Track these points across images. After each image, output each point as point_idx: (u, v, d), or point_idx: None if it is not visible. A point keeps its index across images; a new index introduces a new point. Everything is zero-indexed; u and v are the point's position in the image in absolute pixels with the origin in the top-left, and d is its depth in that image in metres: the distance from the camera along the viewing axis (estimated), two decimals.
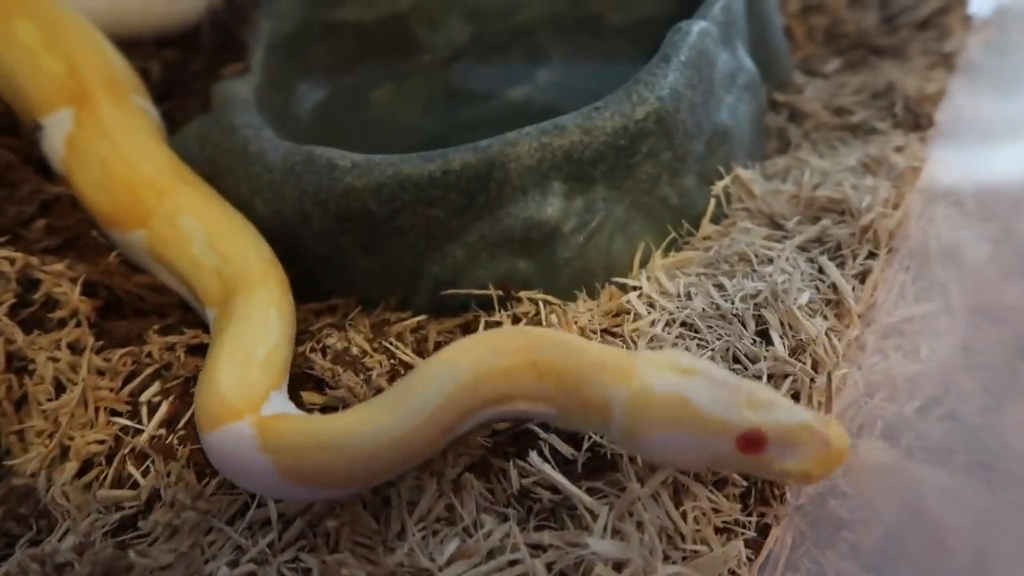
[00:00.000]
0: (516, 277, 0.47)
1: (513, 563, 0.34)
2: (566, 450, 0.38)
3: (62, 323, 0.43)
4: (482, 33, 0.69)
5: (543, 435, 0.38)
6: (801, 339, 0.40)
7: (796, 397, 0.39)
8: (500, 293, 0.46)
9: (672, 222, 0.49)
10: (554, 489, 0.36)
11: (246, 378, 0.38)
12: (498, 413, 0.35)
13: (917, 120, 0.56)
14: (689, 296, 0.44)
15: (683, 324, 0.42)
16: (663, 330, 0.42)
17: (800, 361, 0.39)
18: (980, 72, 0.64)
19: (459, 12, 0.68)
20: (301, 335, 0.46)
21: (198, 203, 0.48)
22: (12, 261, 0.43)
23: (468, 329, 0.45)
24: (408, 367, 0.43)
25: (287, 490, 0.35)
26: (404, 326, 0.46)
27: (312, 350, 0.43)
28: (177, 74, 0.65)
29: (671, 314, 0.43)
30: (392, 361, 0.43)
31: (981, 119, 0.61)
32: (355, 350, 0.43)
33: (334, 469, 0.34)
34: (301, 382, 0.42)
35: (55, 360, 0.41)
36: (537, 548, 0.34)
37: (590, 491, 0.36)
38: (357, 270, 0.49)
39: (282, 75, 0.61)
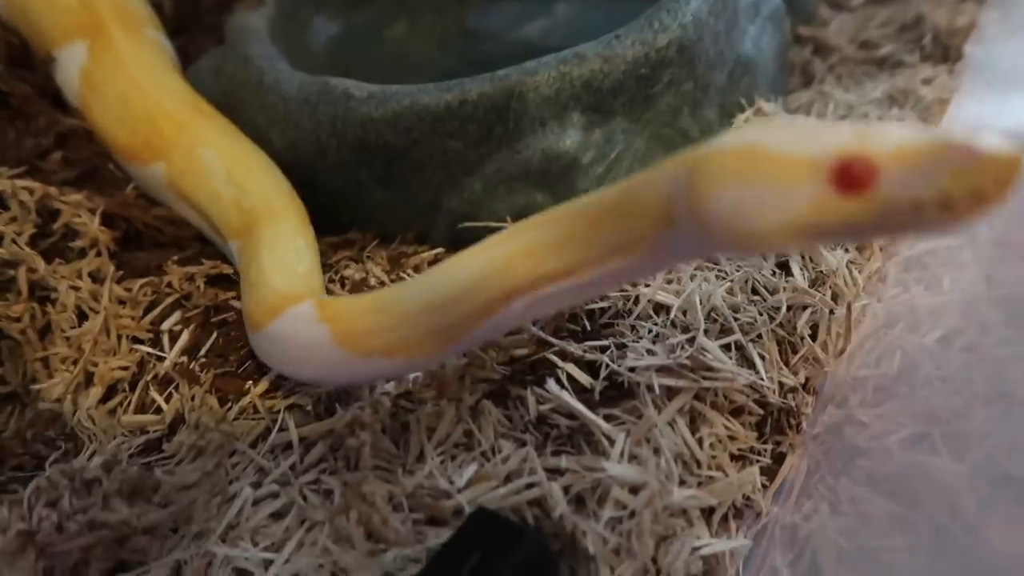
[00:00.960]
0: (534, 210, 0.46)
1: (530, 486, 0.34)
2: (584, 378, 0.38)
3: (82, 253, 0.43)
4: None
5: (560, 363, 0.38)
6: (821, 271, 0.40)
7: (815, 328, 0.38)
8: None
9: None
10: (571, 416, 0.37)
11: (294, 280, 0.39)
12: (561, 290, 0.30)
13: (946, 53, 0.55)
14: None
15: None
16: None
17: (819, 292, 0.39)
18: (1013, 5, 0.62)
19: None
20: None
21: (217, 135, 0.47)
22: (31, 191, 0.44)
23: None
24: None
25: (345, 365, 0.35)
26: (422, 258, 0.46)
27: (331, 281, 0.43)
28: (190, 8, 0.64)
29: None
30: None
31: (1011, 54, 0.60)
32: (373, 281, 0.43)
33: (387, 330, 0.33)
34: None
35: (76, 289, 0.42)
36: (554, 472, 0.35)
37: (607, 418, 0.36)
38: (374, 203, 0.49)
39: (296, 8, 0.60)
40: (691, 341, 0.37)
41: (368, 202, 0.49)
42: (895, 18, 0.59)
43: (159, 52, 0.53)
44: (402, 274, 0.44)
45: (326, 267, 0.45)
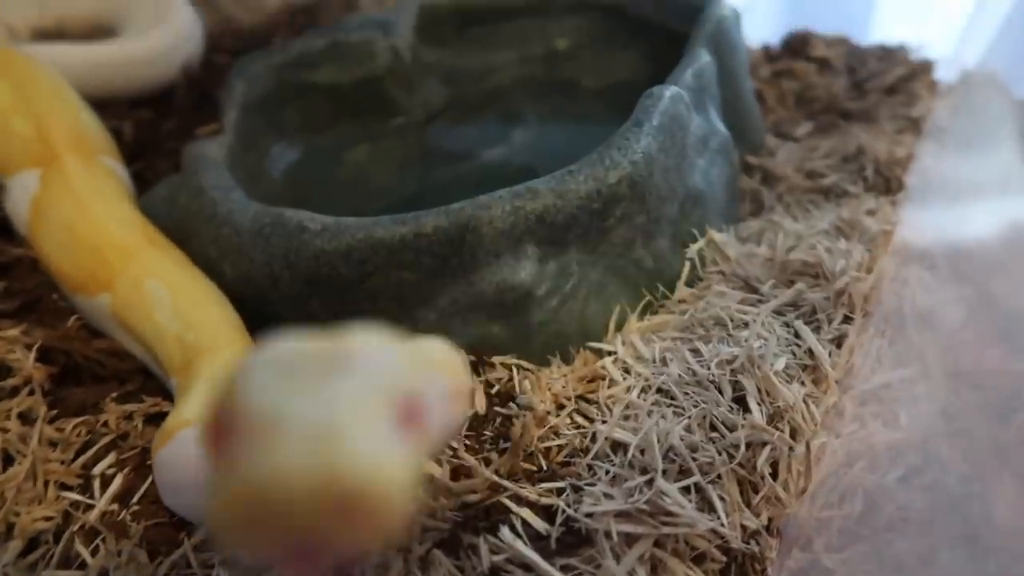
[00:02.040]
0: (490, 342, 0.46)
1: None
2: (540, 525, 0.36)
3: (14, 391, 0.41)
4: (458, 95, 0.70)
5: (515, 508, 0.37)
6: (779, 406, 0.39)
7: (775, 466, 0.38)
8: (473, 359, 0.45)
9: (647, 285, 0.48)
10: (527, 567, 0.35)
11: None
12: None
13: (888, 183, 0.57)
14: (665, 361, 0.43)
15: (659, 390, 0.41)
16: (639, 396, 0.41)
17: (778, 429, 0.38)
18: (947, 136, 0.65)
19: (435, 75, 0.69)
20: None
21: (165, 267, 0.47)
22: None
23: None
24: None
25: None
26: None
27: None
28: (150, 134, 0.64)
29: (647, 380, 0.42)
30: None
31: (950, 181, 0.62)
32: None
33: None
34: None
35: (4, 431, 0.39)
36: None
37: (564, 568, 0.35)
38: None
39: (255, 136, 0.60)
40: (649, 483, 0.36)
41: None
42: (837, 149, 0.61)
43: (111, 180, 0.52)
44: None
45: None
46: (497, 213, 0.44)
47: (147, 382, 0.45)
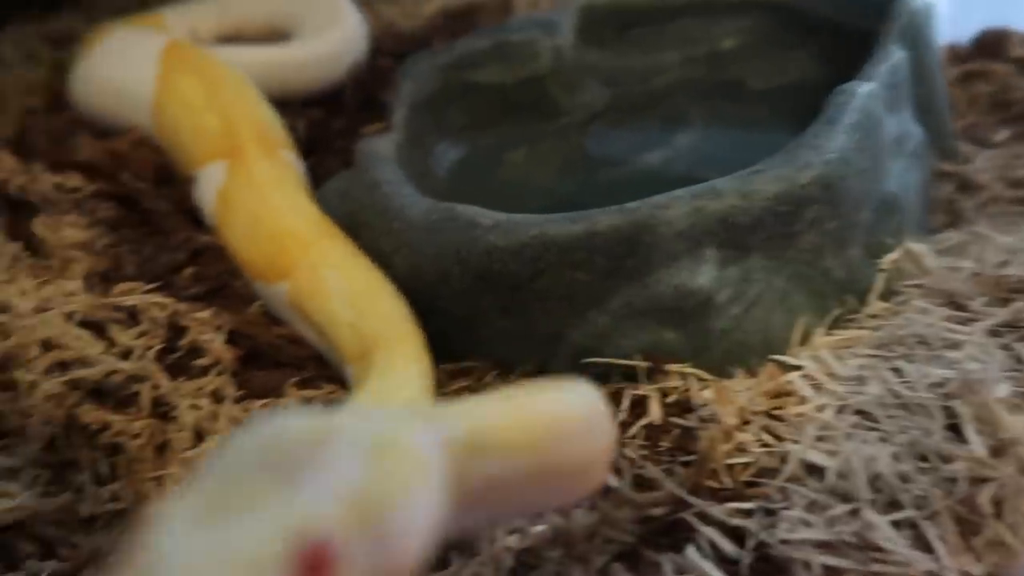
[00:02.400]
0: (663, 348, 0.44)
1: None
2: (729, 548, 0.34)
3: (205, 371, 0.43)
4: (619, 97, 0.68)
5: (701, 527, 0.34)
6: (1002, 438, 0.35)
7: (999, 506, 0.33)
8: (647, 364, 0.43)
9: (835, 297, 0.45)
10: None
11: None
12: None
13: None
14: (862, 380, 0.40)
15: (858, 412, 0.38)
16: (834, 417, 0.38)
17: (1004, 465, 0.34)
18: None
19: (597, 76, 0.68)
20: (436, 396, 0.44)
21: (340, 258, 0.48)
22: (163, 307, 0.44)
23: (610, 401, 0.42)
24: None
25: None
26: None
27: None
28: (321, 132, 0.66)
29: (841, 399, 0.39)
30: None
31: None
32: None
33: None
34: None
35: (197, 408, 0.41)
36: None
37: None
38: (494, 332, 0.47)
39: (422, 134, 0.61)
40: (854, 514, 0.33)
41: (488, 331, 0.47)
42: None
43: (291, 173, 0.54)
44: None
45: (444, 396, 0.44)
46: (676, 213, 0.42)
47: (322, 369, 0.46)
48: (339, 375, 0.45)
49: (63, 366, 0.42)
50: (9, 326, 0.43)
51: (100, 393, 0.42)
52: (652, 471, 0.36)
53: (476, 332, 0.48)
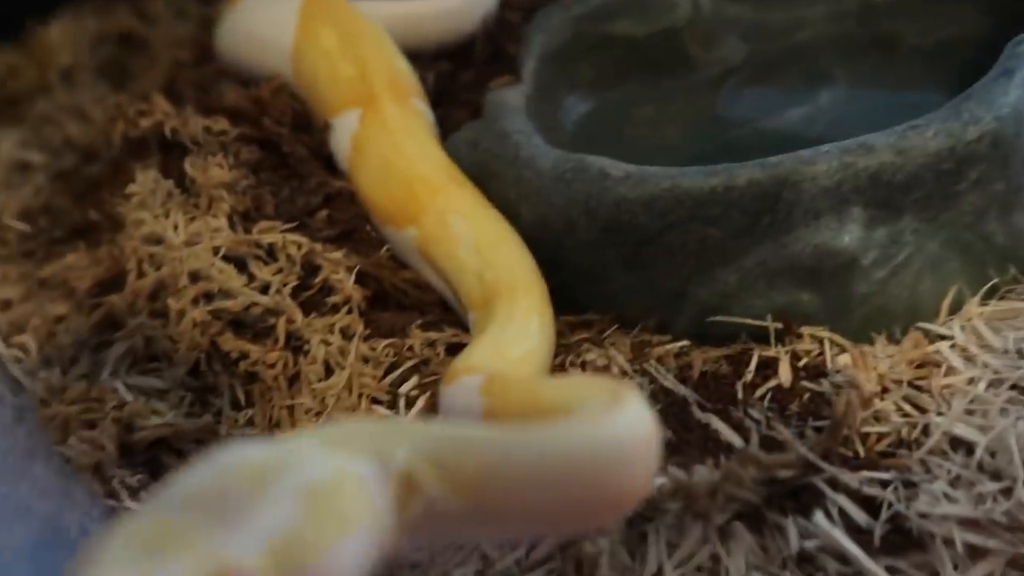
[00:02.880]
0: (797, 310, 0.42)
1: None
2: (860, 516, 0.32)
3: (335, 308, 0.45)
4: (757, 52, 0.65)
5: (831, 494, 0.33)
6: None
7: None
8: (779, 326, 0.41)
9: (995, 265, 0.41)
10: (842, 559, 0.31)
11: (494, 363, 0.38)
12: None
13: None
14: (1021, 354, 0.36)
15: (1015, 387, 0.35)
16: (986, 390, 0.35)
17: None
18: None
19: (736, 29, 0.65)
20: (556, 348, 0.44)
21: (468, 205, 0.48)
22: (299, 246, 0.46)
23: (737, 362, 0.41)
24: (670, 394, 0.39)
25: None
26: (666, 350, 0.42)
27: (571, 364, 0.41)
28: (449, 84, 0.67)
29: (996, 373, 0.36)
30: (652, 386, 0.40)
31: None
32: (616, 370, 0.40)
33: None
34: None
35: (327, 343, 0.43)
36: None
37: (890, 570, 0.30)
38: (617, 286, 0.46)
39: (550, 87, 0.60)
40: (1006, 492, 0.31)
41: (611, 284, 0.47)
42: None
43: (422, 122, 0.55)
44: (645, 365, 0.41)
45: (564, 348, 0.44)
46: (822, 169, 0.40)
47: (446, 314, 0.47)
48: (462, 321, 0.46)
49: (208, 297, 0.45)
50: (162, 257, 0.46)
51: (240, 324, 0.44)
52: (782, 432, 0.35)
53: (600, 285, 0.47)
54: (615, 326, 0.46)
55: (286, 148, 0.52)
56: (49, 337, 0.48)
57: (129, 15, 0.90)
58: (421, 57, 0.68)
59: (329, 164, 0.54)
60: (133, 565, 0.19)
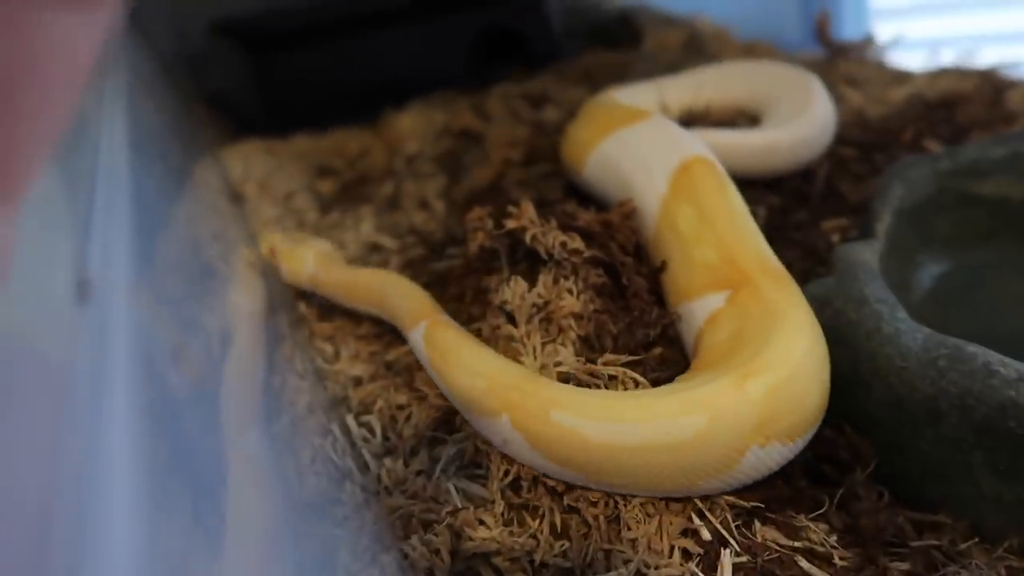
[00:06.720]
0: None
1: None
2: None
3: None
4: None
5: None
6: None
7: None
8: None
9: None
10: None
11: None
12: None
13: None
14: None
15: None
16: None
17: None
18: None
19: None
20: (897, 547, 0.40)
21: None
22: (636, 382, 0.47)
23: None
24: None
25: None
26: None
27: None
28: (779, 220, 0.65)
29: None
30: None
31: None
32: None
33: None
34: None
35: None
36: None
37: None
38: (979, 493, 0.41)
39: (903, 243, 0.56)
40: None
41: (971, 489, 0.42)
42: None
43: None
44: None
45: (912, 551, 0.39)
46: None
47: None
48: None
49: None
50: None
51: None
52: None
53: (955, 487, 0.42)
54: (973, 539, 0.41)
55: (625, 278, 0.54)
56: (391, 422, 0.53)
57: (470, 111, 1.01)
58: (753, 188, 0.67)
59: (660, 301, 0.55)
60: None
